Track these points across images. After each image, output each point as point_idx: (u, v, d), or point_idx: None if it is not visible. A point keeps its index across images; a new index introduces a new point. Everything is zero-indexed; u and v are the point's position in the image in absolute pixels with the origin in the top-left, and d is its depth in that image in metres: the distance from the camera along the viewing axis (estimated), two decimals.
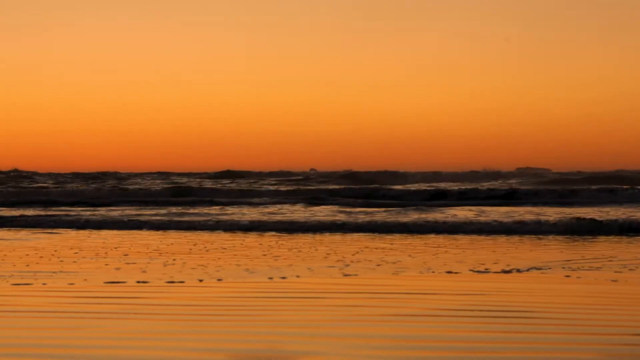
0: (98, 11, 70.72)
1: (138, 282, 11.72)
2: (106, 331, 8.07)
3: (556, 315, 9.10)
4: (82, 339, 7.71)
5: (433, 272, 13.04)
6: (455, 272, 12.95)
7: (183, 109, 75.50)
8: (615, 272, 12.97)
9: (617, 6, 69.99)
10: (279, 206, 32.58)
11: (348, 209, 30.12)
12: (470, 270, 13.23)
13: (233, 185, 48.47)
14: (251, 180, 55.25)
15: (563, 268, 13.44)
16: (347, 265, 13.89)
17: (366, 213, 27.83)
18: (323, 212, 28.47)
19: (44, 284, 11.57)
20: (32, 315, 9.09)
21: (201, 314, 9.14)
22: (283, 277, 12.25)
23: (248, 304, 9.99)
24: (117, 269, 13.34)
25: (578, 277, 12.43)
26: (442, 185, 46.80)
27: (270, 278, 12.20)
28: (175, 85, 75.20)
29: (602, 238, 20.01)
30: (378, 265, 13.96)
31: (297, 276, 12.40)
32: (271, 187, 46.04)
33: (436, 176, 57.99)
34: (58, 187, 46.44)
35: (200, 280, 11.87)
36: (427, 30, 71.34)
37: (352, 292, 11.10)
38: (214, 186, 46.24)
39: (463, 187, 41.93)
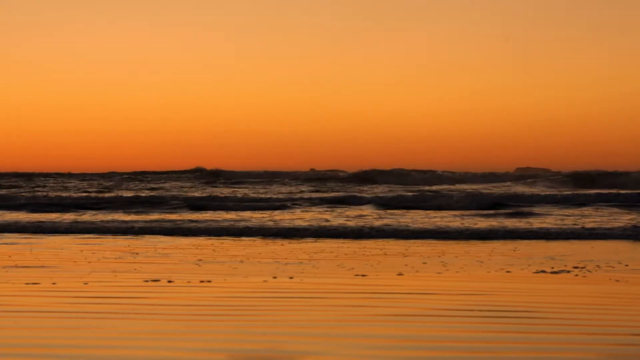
0: (99, 13, 70.67)
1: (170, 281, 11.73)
2: (106, 331, 8.07)
3: (556, 315, 9.10)
4: (82, 339, 7.71)
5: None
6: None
7: (179, 109, 75.50)
8: (620, 272, 12.98)
9: (617, 6, 69.94)
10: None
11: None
12: None
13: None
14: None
15: None
16: None
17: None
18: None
19: (54, 283, 11.59)
20: (33, 315, 9.09)
21: (201, 314, 9.14)
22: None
23: (248, 304, 10.00)
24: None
25: (583, 277, 12.43)
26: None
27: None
28: (173, 85, 75.21)
29: None
30: None
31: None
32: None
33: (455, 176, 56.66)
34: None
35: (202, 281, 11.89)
36: (426, 29, 71.31)
37: (352, 292, 11.10)
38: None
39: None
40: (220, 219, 26.31)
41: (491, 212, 27.99)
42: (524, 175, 55.56)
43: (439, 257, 15.32)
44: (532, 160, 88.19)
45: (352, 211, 29.08)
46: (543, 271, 13.00)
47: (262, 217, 26.70)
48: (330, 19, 70.22)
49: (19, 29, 70.55)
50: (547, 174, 55.35)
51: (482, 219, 25.13)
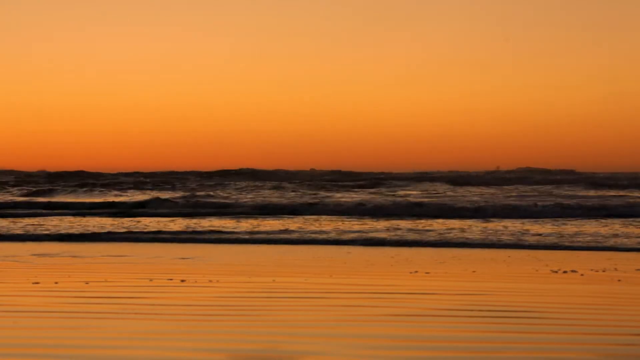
0: (101, 14, 70.78)
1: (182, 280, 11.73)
2: (106, 331, 8.07)
3: (556, 315, 9.10)
4: (82, 339, 7.71)
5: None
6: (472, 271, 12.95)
7: (179, 109, 75.60)
8: (620, 272, 12.98)
9: (617, 6, 70.04)
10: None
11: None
12: None
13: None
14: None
15: None
16: None
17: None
18: None
19: (56, 282, 11.59)
20: (32, 315, 9.09)
21: (201, 314, 9.14)
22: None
23: (248, 304, 10.00)
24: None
25: (581, 275, 12.44)
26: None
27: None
28: (174, 85, 75.31)
29: None
30: None
31: None
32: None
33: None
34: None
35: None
36: (426, 30, 71.44)
37: (352, 292, 11.10)
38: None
39: None
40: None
41: None
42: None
43: None
44: (532, 160, 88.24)
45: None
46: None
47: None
48: (329, 19, 70.31)
49: (20, 30, 70.62)
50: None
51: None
